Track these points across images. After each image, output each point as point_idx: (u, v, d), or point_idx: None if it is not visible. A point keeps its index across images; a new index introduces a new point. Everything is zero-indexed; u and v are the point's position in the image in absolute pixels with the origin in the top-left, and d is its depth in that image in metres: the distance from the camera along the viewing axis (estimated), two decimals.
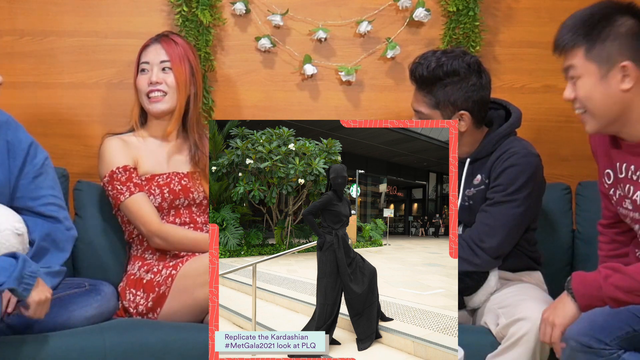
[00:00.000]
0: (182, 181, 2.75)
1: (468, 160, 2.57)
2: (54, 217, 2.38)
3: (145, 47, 2.78)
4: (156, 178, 2.73)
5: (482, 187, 2.53)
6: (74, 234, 2.43)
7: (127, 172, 2.68)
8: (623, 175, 2.19)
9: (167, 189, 2.71)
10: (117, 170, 2.68)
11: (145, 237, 2.69)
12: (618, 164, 2.19)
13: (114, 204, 2.71)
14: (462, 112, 2.52)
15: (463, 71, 2.50)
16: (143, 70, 2.76)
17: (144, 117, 2.83)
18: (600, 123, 2.13)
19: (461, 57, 2.51)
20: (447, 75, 2.50)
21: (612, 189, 2.25)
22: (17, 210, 2.34)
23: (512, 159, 2.47)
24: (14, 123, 2.40)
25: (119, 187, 2.66)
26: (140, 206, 2.66)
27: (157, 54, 2.76)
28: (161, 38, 2.79)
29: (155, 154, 2.78)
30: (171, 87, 2.75)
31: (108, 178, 2.68)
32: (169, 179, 2.74)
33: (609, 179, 2.25)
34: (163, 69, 2.75)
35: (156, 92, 2.74)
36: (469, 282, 2.47)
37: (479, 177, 2.55)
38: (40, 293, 2.19)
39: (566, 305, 2.12)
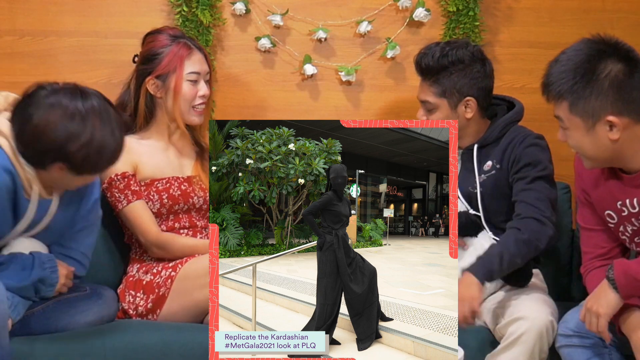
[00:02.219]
0: (182, 186, 2.74)
1: (476, 146, 2.60)
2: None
3: (188, 54, 2.69)
4: (155, 183, 2.71)
5: (493, 172, 2.56)
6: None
7: (125, 179, 2.66)
8: (637, 209, 2.15)
9: (166, 195, 2.70)
10: (115, 177, 2.65)
11: (144, 247, 2.68)
12: (628, 200, 2.15)
13: (113, 209, 2.70)
14: (468, 98, 2.55)
15: (467, 59, 2.55)
16: (192, 80, 2.70)
17: (147, 119, 2.81)
18: (594, 163, 2.14)
19: (464, 46, 2.58)
20: (452, 64, 2.55)
21: (622, 226, 2.21)
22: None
23: (529, 139, 2.52)
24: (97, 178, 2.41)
25: (117, 195, 2.65)
26: (139, 214, 2.64)
27: (204, 65, 2.73)
28: (197, 44, 2.75)
29: (157, 158, 2.75)
30: (207, 99, 2.76)
31: (107, 185, 2.66)
32: (168, 184, 2.72)
33: (613, 219, 2.22)
34: (206, 81, 2.74)
35: (203, 105, 2.73)
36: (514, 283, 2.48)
37: (489, 162, 2.57)
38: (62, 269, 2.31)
39: (608, 295, 2.08)
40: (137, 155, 2.71)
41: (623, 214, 2.18)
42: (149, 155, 2.74)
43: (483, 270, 2.29)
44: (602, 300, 2.08)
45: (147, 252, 2.70)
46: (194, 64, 2.70)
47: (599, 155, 2.10)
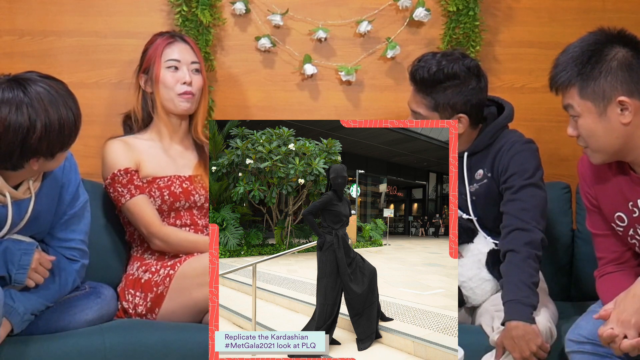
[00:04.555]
0: (184, 184, 2.75)
1: (466, 154, 2.59)
2: (75, 260, 2.41)
3: (169, 43, 2.75)
4: (157, 181, 2.73)
5: (485, 180, 2.55)
6: (77, 282, 2.43)
7: (129, 175, 2.68)
8: None
9: (168, 192, 2.71)
10: (118, 173, 2.68)
11: (146, 239, 2.69)
12: (639, 200, 2.14)
13: (115, 205, 2.72)
14: (460, 115, 2.53)
15: (463, 75, 2.51)
16: (171, 67, 2.74)
17: (144, 119, 2.83)
18: (604, 156, 2.12)
19: (461, 60, 2.53)
20: (448, 79, 2.51)
21: (632, 229, 2.19)
22: (44, 243, 2.37)
23: (516, 147, 2.50)
24: (70, 163, 2.40)
25: (120, 190, 2.67)
26: (141, 208, 2.66)
27: (188, 54, 2.76)
28: (185, 37, 2.80)
29: (158, 157, 2.78)
30: (198, 90, 2.77)
31: (110, 180, 2.69)
32: (170, 182, 2.74)
33: (623, 222, 2.20)
34: (193, 70, 2.76)
35: (189, 94, 2.75)
36: None
37: (480, 171, 2.56)
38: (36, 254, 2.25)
39: None
40: (139, 153, 2.74)
41: (634, 215, 2.16)
42: (150, 154, 2.76)
43: (526, 309, 2.26)
44: None
45: (148, 250, 2.71)
46: (173, 52, 2.75)
47: (611, 144, 2.08)
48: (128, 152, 2.73)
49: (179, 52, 2.75)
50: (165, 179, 2.74)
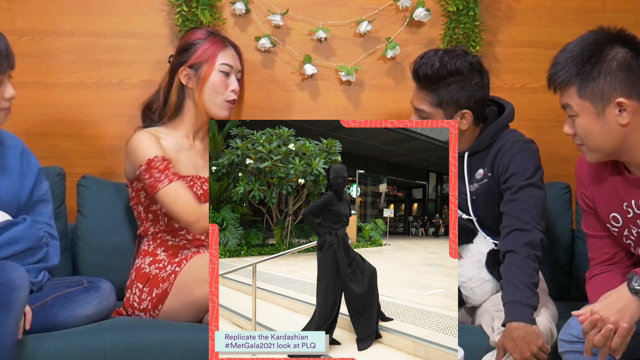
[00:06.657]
0: (204, 186, 2.74)
1: (466, 154, 2.59)
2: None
3: (224, 47, 2.76)
4: (181, 179, 2.70)
5: (485, 180, 2.55)
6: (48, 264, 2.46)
7: (165, 162, 2.63)
8: None
9: (190, 192, 2.67)
10: (155, 159, 2.63)
11: (186, 225, 2.62)
12: (634, 201, 2.14)
13: (150, 191, 2.65)
14: (464, 111, 2.53)
15: (466, 70, 2.52)
16: (224, 72, 2.74)
17: (175, 111, 2.81)
18: (600, 155, 2.12)
19: (463, 56, 2.53)
20: (451, 75, 2.51)
21: (626, 230, 2.19)
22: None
23: (517, 146, 2.51)
24: (27, 149, 2.51)
25: (157, 175, 2.61)
26: (182, 192, 2.60)
27: (237, 62, 2.78)
28: (234, 43, 2.81)
29: (181, 155, 2.75)
30: (237, 98, 2.79)
31: (145, 166, 2.62)
32: (192, 182, 2.71)
33: (618, 222, 2.20)
34: (238, 79, 2.78)
35: (234, 101, 2.77)
36: None
37: (481, 171, 2.56)
38: None
39: (631, 306, 2.01)
40: (165, 149, 2.71)
41: (628, 215, 2.16)
42: (175, 151, 2.74)
43: (526, 310, 2.26)
44: (626, 313, 2.00)
45: (160, 245, 2.71)
46: (227, 57, 2.76)
47: (607, 144, 2.08)
48: (158, 143, 2.71)
49: (232, 59, 2.77)
50: (188, 179, 2.72)
